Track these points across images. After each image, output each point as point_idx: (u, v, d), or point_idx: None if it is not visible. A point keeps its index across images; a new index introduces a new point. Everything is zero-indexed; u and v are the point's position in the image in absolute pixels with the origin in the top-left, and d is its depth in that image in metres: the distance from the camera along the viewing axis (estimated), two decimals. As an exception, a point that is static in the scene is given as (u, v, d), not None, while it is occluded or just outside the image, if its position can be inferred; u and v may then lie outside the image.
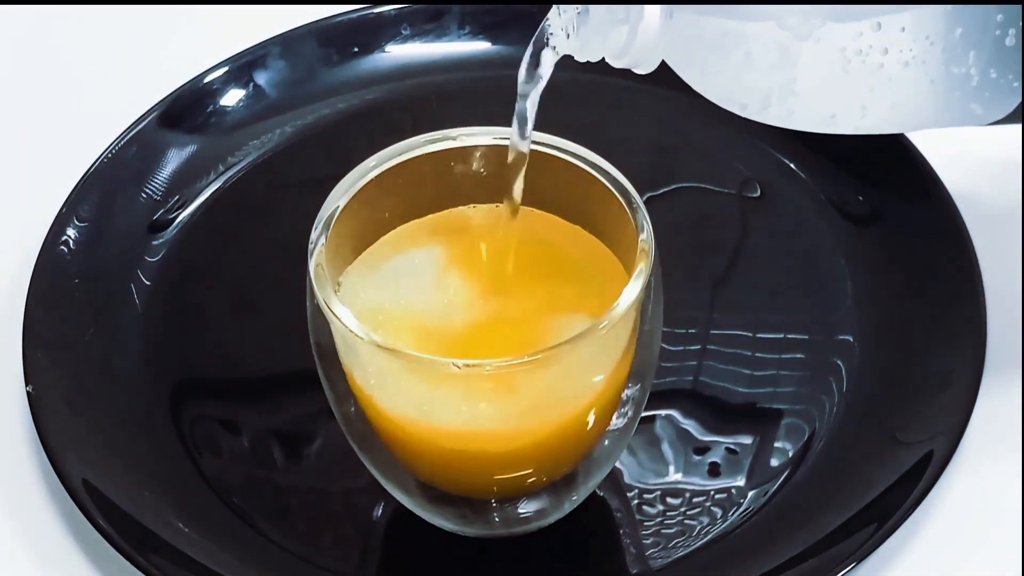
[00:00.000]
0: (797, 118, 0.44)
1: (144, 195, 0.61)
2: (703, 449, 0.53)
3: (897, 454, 0.51)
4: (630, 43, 0.43)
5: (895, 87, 0.43)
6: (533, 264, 0.48)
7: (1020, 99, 0.45)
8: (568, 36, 0.44)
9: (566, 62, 0.45)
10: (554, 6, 0.44)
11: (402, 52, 0.66)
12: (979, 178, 0.60)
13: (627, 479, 0.52)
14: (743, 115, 0.45)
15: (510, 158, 0.46)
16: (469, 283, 0.47)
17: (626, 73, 0.64)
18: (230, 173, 0.63)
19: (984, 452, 0.52)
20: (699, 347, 0.56)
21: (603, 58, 0.45)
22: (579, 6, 0.43)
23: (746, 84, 0.43)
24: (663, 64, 0.45)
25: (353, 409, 0.49)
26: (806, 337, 0.56)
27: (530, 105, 0.45)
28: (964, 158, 0.60)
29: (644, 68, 0.44)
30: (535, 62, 0.44)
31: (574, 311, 0.46)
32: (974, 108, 0.45)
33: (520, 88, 0.45)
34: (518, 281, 0.47)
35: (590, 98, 0.64)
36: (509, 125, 0.47)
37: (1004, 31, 0.43)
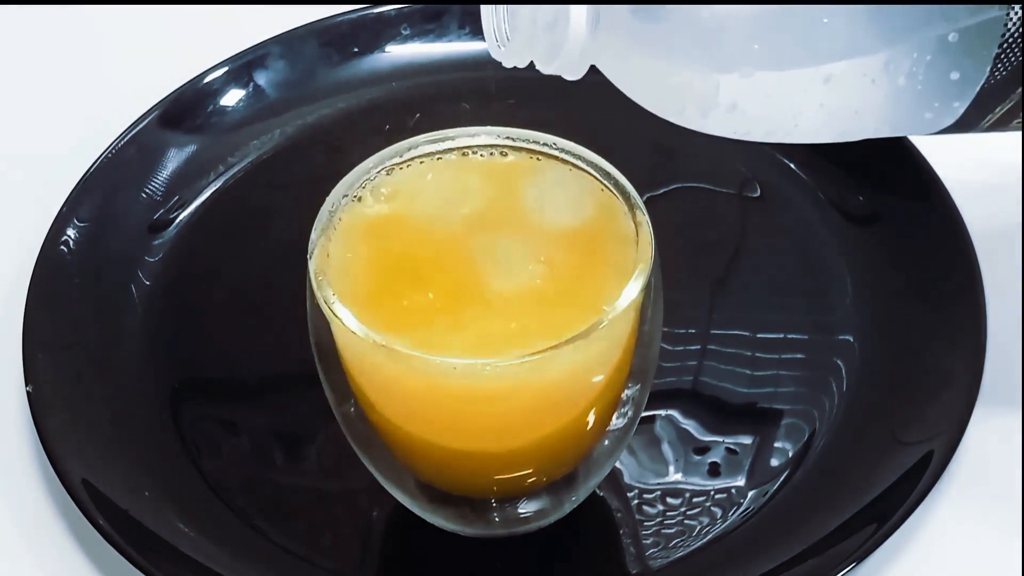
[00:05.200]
0: (739, 127, 0.42)
1: (144, 195, 0.61)
2: (703, 449, 0.53)
3: (897, 454, 0.51)
4: (558, 46, 0.41)
5: (838, 110, 0.42)
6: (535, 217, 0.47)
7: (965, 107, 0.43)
8: (496, 40, 0.42)
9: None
10: (483, 7, 0.42)
11: (402, 52, 0.66)
12: (979, 178, 0.60)
13: (627, 479, 0.52)
14: (679, 123, 0.43)
15: None
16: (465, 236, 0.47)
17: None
18: (230, 173, 0.63)
19: (984, 452, 0.52)
20: (699, 347, 0.56)
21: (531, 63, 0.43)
22: (507, 6, 0.42)
23: (683, 89, 0.41)
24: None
25: (353, 409, 0.49)
26: (806, 337, 0.56)
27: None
28: (964, 158, 0.60)
29: (572, 74, 0.43)
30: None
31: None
32: (925, 116, 0.43)
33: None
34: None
35: (590, 98, 0.64)
36: (509, 125, 0.47)
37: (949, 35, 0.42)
